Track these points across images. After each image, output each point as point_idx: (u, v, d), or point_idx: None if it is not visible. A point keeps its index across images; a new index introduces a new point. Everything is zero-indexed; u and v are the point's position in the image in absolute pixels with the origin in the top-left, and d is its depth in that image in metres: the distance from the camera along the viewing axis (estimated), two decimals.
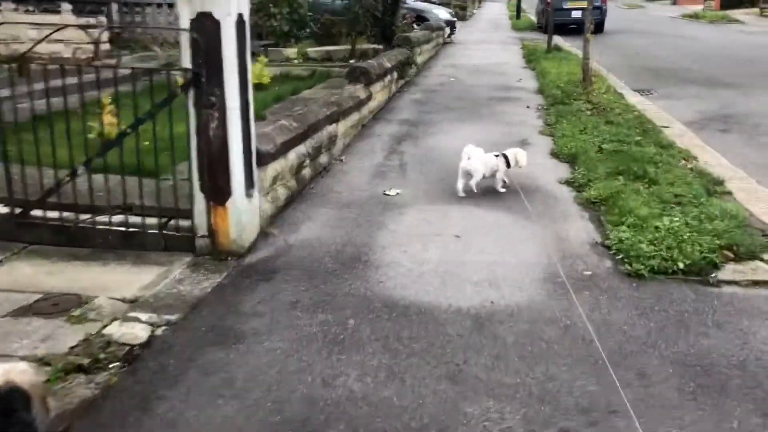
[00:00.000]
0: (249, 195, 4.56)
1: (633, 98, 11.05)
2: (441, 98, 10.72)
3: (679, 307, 3.85)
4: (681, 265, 4.32)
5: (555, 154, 7.18)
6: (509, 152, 5.99)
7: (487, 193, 5.88)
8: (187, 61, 4.28)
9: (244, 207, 4.50)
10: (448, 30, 21.17)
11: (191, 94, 4.30)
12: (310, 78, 10.98)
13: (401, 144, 7.60)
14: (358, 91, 7.97)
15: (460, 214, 5.32)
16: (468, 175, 5.74)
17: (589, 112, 9.37)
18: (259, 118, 7.18)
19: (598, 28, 24.25)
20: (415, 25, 17.87)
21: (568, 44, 19.89)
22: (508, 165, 5.90)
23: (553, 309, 3.79)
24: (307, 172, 5.86)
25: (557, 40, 20.64)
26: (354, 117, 7.64)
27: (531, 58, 16.23)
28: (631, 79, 13.60)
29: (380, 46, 13.52)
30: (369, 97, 8.37)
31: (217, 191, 4.42)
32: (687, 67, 15.40)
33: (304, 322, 3.62)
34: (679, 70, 14.97)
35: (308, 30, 13.99)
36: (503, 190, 5.93)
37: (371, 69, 8.54)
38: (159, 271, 4.33)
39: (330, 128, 6.55)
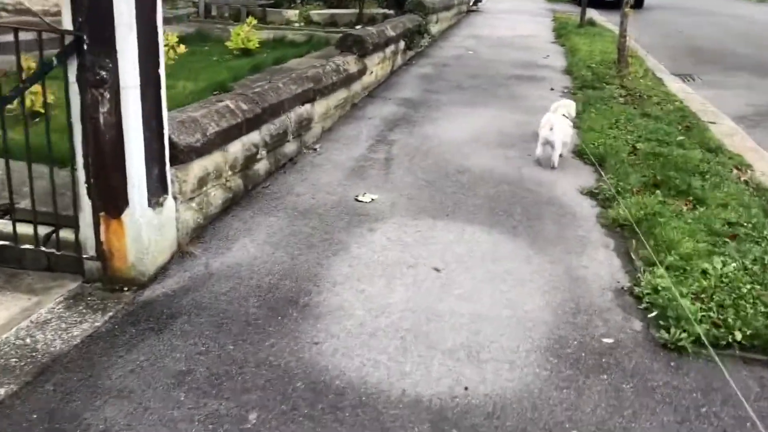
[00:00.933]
0: (157, 204, 3.39)
1: (674, 85, 9.65)
2: (453, 74, 9.40)
3: (737, 412, 2.64)
4: (739, 336, 3.10)
5: (579, 153, 5.90)
6: (563, 109, 5.71)
7: (492, 199, 4.65)
8: (67, 19, 3.08)
9: (147, 220, 3.33)
10: None
11: (73, 65, 3.10)
12: (306, 44, 9.72)
13: (394, 130, 6.35)
14: (349, 63, 6.71)
15: (448, 235, 4.11)
16: (548, 145, 5.42)
17: (622, 100, 8.04)
18: (225, 90, 6.00)
19: (638, 2, 22.51)
20: None
21: (604, 19, 18.29)
22: None
23: (554, 407, 2.60)
24: (261, 166, 4.67)
25: (592, 13, 19.04)
26: (339, 95, 6.40)
27: (561, 32, 14.75)
28: (672, 61, 12.13)
29: (391, 12, 12.15)
30: (362, 71, 7.11)
31: (110, 199, 3.26)
32: (736, 51, 13.84)
33: (183, 413, 2.46)
34: (726, 54, 13.42)
35: None
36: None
37: (367, 38, 7.26)
38: (25, 305, 3.21)
39: (301, 110, 5.33)
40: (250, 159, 4.45)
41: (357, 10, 12.08)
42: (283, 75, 5.80)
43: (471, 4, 19.65)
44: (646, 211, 4.34)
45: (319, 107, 5.83)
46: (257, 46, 9.16)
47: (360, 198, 4.60)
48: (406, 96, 7.85)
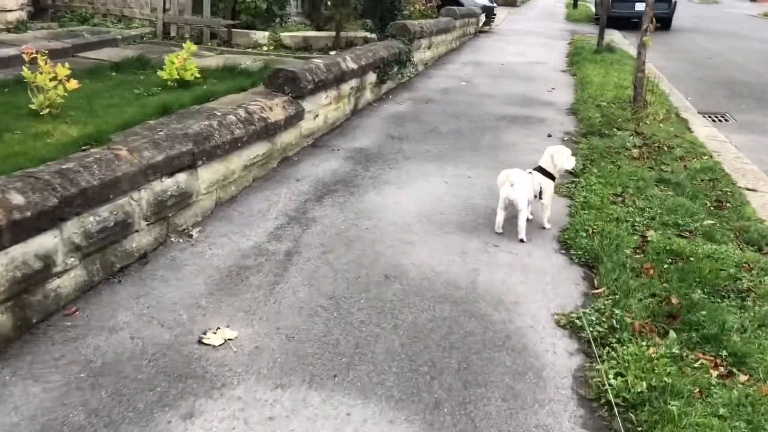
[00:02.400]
0: None
1: (701, 129, 7.95)
2: (432, 114, 7.78)
3: None
4: None
5: (567, 244, 4.23)
6: (546, 158, 4.44)
7: (419, 338, 3.00)
8: None
9: None
10: (483, 17, 18.01)
11: None
12: (260, 73, 8.16)
13: (322, 201, 4.74)
14: (272, 108, 5.12)
15: (320, 424, 2.48)
16: (510, 206, 4.24)
17: (636, 152, 6.37)
18: (101, 143, 4.46)
19: (664, 24, 20.73)
20: (443, 11, 14.77)
21: (627, 42, 16.59)
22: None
23: None
24: (64, 282, 3.08)
25: (614, 36, 17.36)
26: (254, 150, 4.82)
27: (575, 58, 13.06)
28: (700, 95, 10.41)
29: (373, 36, 10.58)
30: (296, 116, 5.52)
31: None
32: None
33: None
34: (764, 86, 11.63)
35: (291, 9, 11.15)
36: (549, 225, 4.46)
37: (304, 74, 5.67)
38: None
39: (165, 183, 3.74)
40: (32, 277, 2.85)
41: (334, 33, 10.52)
42: (169, 124, 4.23)
43: (481, 24, 18.03)
44: (649, 382, 2.67)
45: (208, 173, 4.24)
46: (197, 76, 7.62)
47: (207, 338, 2.99)
48: (361, 145, 6.25)
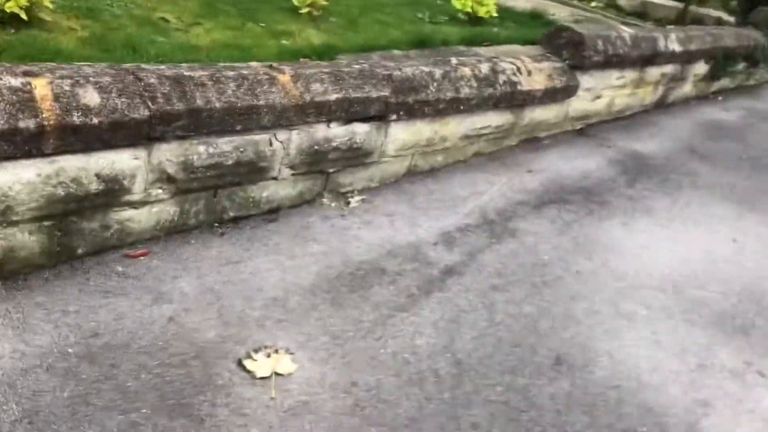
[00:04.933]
0: None
1: None
2: (766, 137, 5.78)
3: None
4: None
5: None
6: None
7: None
8: None
9: None
10: None
11: None
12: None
13: (540, 210, 3.53)
14: (531, 72, 3.94)
15: None
16: None
17: None
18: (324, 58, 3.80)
19: None
20: None
21: None
22: None
23: None
24: (134, 216, 2.44)
25: None
26: (485, 118, 3.75)
27: None
28: None
29: (730, 19, 8.40)
30: (564, 91, 4.26)
31: None
32: None
33: None
34: None
35: None
36: None
37: (593, 41, 4.31)
38: None
39: (325, 131, 2.91)
40: (87, 199, 2.24)
41: (682, 3, 8.58)
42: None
43: None
44: None
45: (404, 132, 3.30)
46: (492, 15, 6.55)
47: (253, 360, 2.13)
48: (644, 149, 4.74)
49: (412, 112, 3.25)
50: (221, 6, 4.91)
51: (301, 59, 4.08)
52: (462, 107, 3.53)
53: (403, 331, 2.42)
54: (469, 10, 6.53)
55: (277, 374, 2.10)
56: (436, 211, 3.25)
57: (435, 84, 3.33)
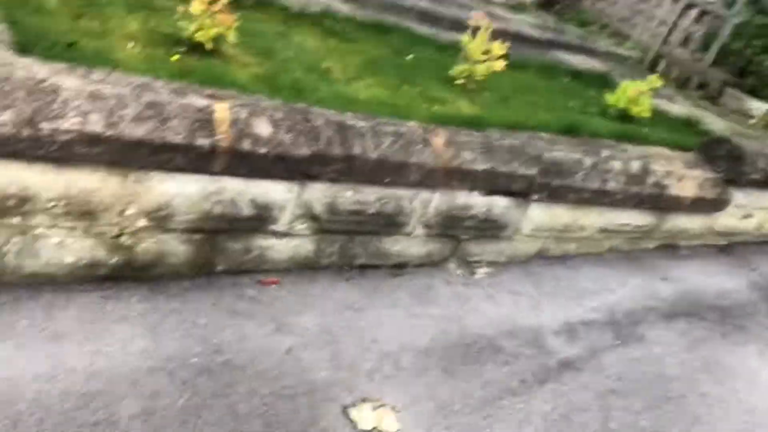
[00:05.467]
0: None
1: None
2: None
3: None
4: None
5: None
6: None
7: None
8: None
9: None
10: None
11: None
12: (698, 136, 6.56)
13: (670, 321, 3.34)
14: (683, 178, 3.81)
15: None
16: None
17: None
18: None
19: None
20: None
21: None
22: None
23: None
24: (275, 245, 2.54)
25: None
26: (628, 216, 3.65)
27: None
28: None
29: None
30: (714, 204, 4.08)
31: None
32: None
33: None
34: None
35: None
36: None
37: (753, 157, 4.11)
38: None
39: (466, 198, 2.94)
40: (237, 220, 2.37)
41: None
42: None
43: None
44: None
45: (543, 214, 3.26)
46: (645, 115, 6.44)
47: (356, 411, 2.13)
48: None
49: (555, 195, 3.21)
50: (382, 67, 5.13)
51: (453, 127, 4.18)
52: (606, 200, 3.45)
53: (511, 416, 2.33)
54: (622, 106, 6.44)
55: (379, 431, 2.07)
56: (562, 300, 3.16)
57: (583, 172, 3.28)
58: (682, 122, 7.19)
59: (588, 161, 3.33)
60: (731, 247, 4.61)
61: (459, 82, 5.36)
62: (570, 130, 4.92)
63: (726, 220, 4.34)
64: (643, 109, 6.46)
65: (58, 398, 1.84)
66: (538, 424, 2.34)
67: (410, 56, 5.72)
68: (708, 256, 4.32)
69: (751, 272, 4.33)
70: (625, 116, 6.51)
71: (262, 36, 4.68)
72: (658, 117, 6.67)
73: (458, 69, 5.39)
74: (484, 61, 5.36)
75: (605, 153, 3.54)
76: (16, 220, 2.01)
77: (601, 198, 3.41)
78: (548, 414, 2.40)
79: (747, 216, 4.48)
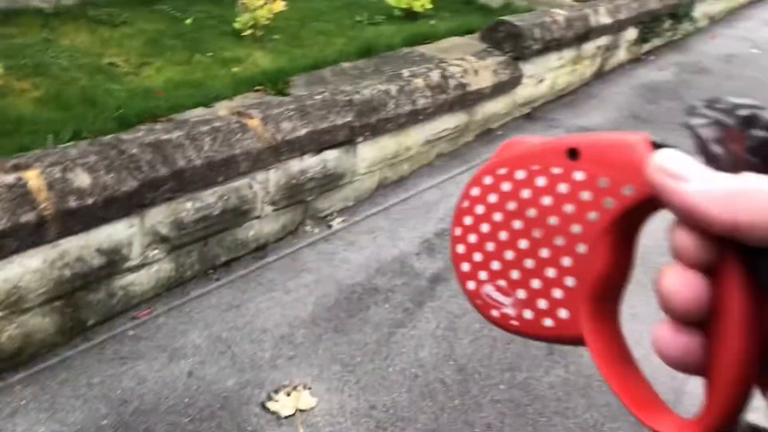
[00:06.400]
0: None
1: None
2: (700, 91, 6.11)
3: None
4: None
5: None
6: None
7: None
8: None
9: None
10: None
11: None
12: (501, 11, 7.02)
13: None
14: (481, 71, 4.12)
15: None
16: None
17: None
18: (275, 86, 3.92)
19: None
20: None
21: None
22: None
23: None
24: (135, 280, 2.53)
25: None
26: (442, 122, 3.92)
27: None
28: None
29: None
30: (510, 82, 4.48)
31: None
32: None
33: None
34: None
35: None
36: None
37: (530, 31, 4.51)
38: None
39: (299, 164, 3.04)
40: (92, 274, 2.33)
41: None
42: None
43: None
44: None
45: (372, 151, 3.45)
46: (427, 7, 6.71)
47: (275, 401, 2.28)
48: (590, 123, 4.99)
49: (377, 130, 3.41)
50: (165, 41, 4.94)
51: (256, 89, 4.19)
52: (421, 117, 3.70)
53: (406, 346, 2.59)
54: (405, 5, 6.68)
55: (300, 411, 2.25)
56: (412, 221, 3.42)
57: (393, 101, 3.48)
58: (464, 3, 7.58)
59: (394, 89, 3.53)
60: (534, 113, 5.10)
61: (247, 33, 5.31)
62: (367, 51, 5.09)
63: (523, 91, 4.77)
64: (423, 2, 6.74)
65: None
66: (431, 344, 2.62)
67: (189, 20, 5.54)
68: (517, 128, 4.76)
69: (556, 129, 4.84)
70: (410, 13, 6.77)
71: (26, 51, 4.33)
72: (439, 3, 7.00)
73: (242, 20, 5.33)
74: (264, 4, 5.33)
75: (406, 73, 3.74)
76: None
77: (416, 117, 3.65)
78: (435, 331, 2.68)
79: (540, 81, 4.95)
